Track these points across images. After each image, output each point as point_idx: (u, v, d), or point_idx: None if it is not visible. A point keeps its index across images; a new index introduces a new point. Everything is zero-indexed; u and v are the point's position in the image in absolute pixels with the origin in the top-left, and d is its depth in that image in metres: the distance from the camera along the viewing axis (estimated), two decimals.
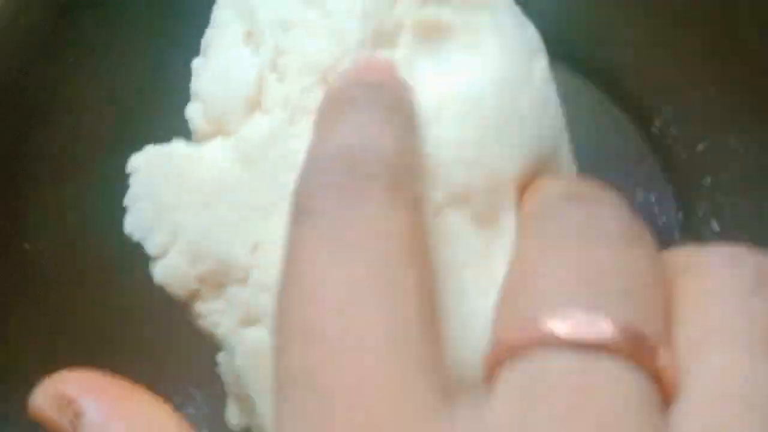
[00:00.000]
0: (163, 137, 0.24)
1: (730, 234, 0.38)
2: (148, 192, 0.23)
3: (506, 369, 0.15)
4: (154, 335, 0.36)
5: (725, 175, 0.38)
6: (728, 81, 0.37)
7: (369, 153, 0.17)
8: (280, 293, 0.16)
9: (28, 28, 0.31)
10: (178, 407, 0.37)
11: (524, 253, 0.18)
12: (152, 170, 0.23)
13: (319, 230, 0.16)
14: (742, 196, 0.38)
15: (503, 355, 0.15)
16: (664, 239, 0.40)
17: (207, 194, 0.22)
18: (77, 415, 0.20)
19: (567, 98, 0.40)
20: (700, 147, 0.39)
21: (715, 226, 0.39)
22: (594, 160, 0.40)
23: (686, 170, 0.40)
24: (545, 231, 0.18)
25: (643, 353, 0.15)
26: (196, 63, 0.24)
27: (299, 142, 0.21)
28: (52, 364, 0.34)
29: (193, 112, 0.24)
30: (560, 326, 0.15)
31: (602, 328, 0.15)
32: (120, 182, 0.34)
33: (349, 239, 0.16)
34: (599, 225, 0.17)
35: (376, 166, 0.17)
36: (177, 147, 0.23)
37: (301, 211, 0.17)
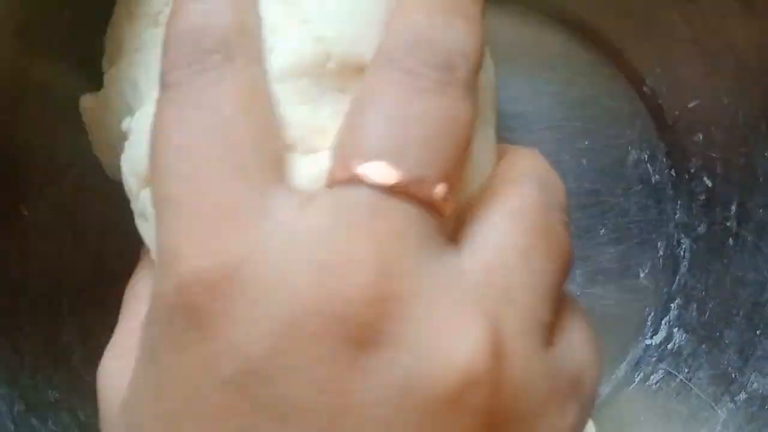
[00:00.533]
0: None
1: (722, 189, 0.39)
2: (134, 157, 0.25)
3: (326, 193, 0.21)
4: None
5: (717, 132, 0.38)
6: (716, 43, 0.37)
7: (210, 31, 0.22)
8: (149, 149, 0.22)
9: None
10: None
11: (354, 104, 0.22)
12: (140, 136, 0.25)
13: (173, 97, 0.22)
14: (734, 152, 0.38)
15: (329, 182, 0.21)
16: (658, 198, 0.40)
17: None
18: None
19: (559, 59, 0.40)
20: (692, 105, 0.39)
21: (708, 182, 0.39)
22: (586, 121, 0.40)
23: (678, 128, 0.40)
24: (373, 85, 0.22)
25: (423, 191, 0.20)
26: None
27: None
28: (52, 327, 0.34)
29: None
30: (365, 171, 0.20)
31: (392, 174, 0.20)
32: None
33: (192, 100, 0.21)
34: (416, 78, 0.22)
35: (215, 42, 0.22)
36: None
37: (162, 85, 0.22)
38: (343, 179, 0.21)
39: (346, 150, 0.21)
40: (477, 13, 0.24)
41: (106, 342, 0.35)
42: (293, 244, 0.20)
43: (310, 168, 0.23)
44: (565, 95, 0.40)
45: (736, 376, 0.37)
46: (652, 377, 0.39)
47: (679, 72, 0.39)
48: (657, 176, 0.40)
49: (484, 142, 0.25)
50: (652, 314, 0.40)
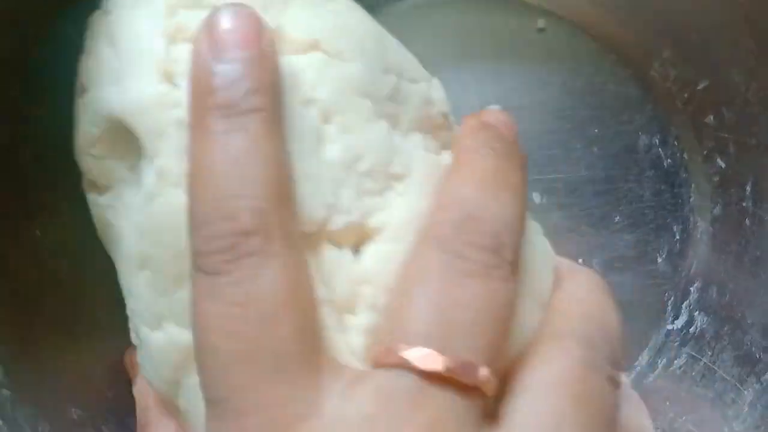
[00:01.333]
0: None
1: (736, 170, 0.38)
2: None
3: (370, 376, 0.21)
4: None
5: (728, 112, 0.38)
6: (725, 18, 0.37)
7: (246, 203, 0.21)
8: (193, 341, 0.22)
9: None
10: None
11: (401, 283, 0.22)
12: None
13: (210, 289, 0.21)
14: (746, 131, 0.38)
15: (373, 363, 0.21)
16: (671, 182, 0.40)
17: None
18: None
19: (564, 49, 0.40)
20: (701, 86, 0.39)
21: (721, 163, 0.39)
22: (595, 108, 0.40)
23: (688, 110, 0.40)
24: (421, 266, 0.22)
25: (467, 377, 0.20)
26: None
27: None
28: (71, 345, 0.34)
29: None
30: (411, 357, 0.20)
31: (438, 362, 0.20)
32: None
33: (232, 295, 0.21)
34: (464, 262, 0.22)
35: (253, 220, 0.21)
36: None
37: (197, 268, 0.21)
38: (387, 363, 0.21)
39: (391, 333, 0.21)
40: (519, 182, 0.24)
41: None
42: None
43: (351, 340, 0.23)
44: (571, 84, 0.40)
45: (760, 356, 0.36)
46: (675, 362, 0.39)
47: (687, 54, 0.38)
48: (669, 160, 0.40)
49: (529, 303, 0.25)
50: (672, 299, 0.40)
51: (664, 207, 0.40)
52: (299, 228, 0.22)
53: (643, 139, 0.40)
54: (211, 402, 0.21)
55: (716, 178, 0.39)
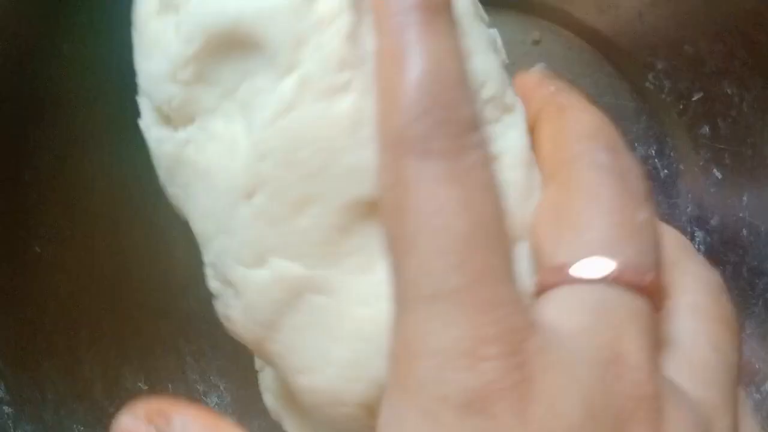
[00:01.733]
0: None
1: (732, 181, 0.38)
2: None
3: (552, 294, 0.21)
4: (173, 329, 0.37)
5: (723, 123, 0.38)
6: (719, 31, 0.37)
7: (466, 103, 0.21)
8: (397, 217, 0.21)
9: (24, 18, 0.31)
10: (203, 395, 0.37)
11: (564, 197, 0.22)
12: None
13: (442, 169, 0.20)
14: (741, 142, 0.38)
15: (549, 283, 0.21)
16: (668, 193, 0.40)
17: None
18: (168, 420, 0.22)
19: (560, 61, 0.40)
20: (696, 97, 0.39)
21: (717, 174, 0.39)
22: None
23: (684, 121, 0.40)
24: (581, 178, 0.22)
25: (641, 279, 0.21)
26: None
27: None
28: (72, 361, 0.34)
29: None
30: (589, 271, 0.21)
31: (612, 268, 0.20)
32: (121, 177, 0.34)
33: (467, 181, 0.20)
34: (627, 181, 0.22)
35: (472, 118, 0.21)
36: None
37: (413, 148, 0.20)
38: (569, 280, 0.21)
39: (561, 255, 0.21)
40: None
41: (126, 373, 0.35)
42: (565, 349, 0.20)
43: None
44: None
45: (759, 366, 0.36)
46: None
47: (681, 66, 0.39)
48: (666, 171, 0.40)
49: None
50: None
51: (662, 218, 0.39)
52: None
53: (639, 151, 0.40)
54: (427, 299, 0.19)
55: (713, 189, 0.39)
